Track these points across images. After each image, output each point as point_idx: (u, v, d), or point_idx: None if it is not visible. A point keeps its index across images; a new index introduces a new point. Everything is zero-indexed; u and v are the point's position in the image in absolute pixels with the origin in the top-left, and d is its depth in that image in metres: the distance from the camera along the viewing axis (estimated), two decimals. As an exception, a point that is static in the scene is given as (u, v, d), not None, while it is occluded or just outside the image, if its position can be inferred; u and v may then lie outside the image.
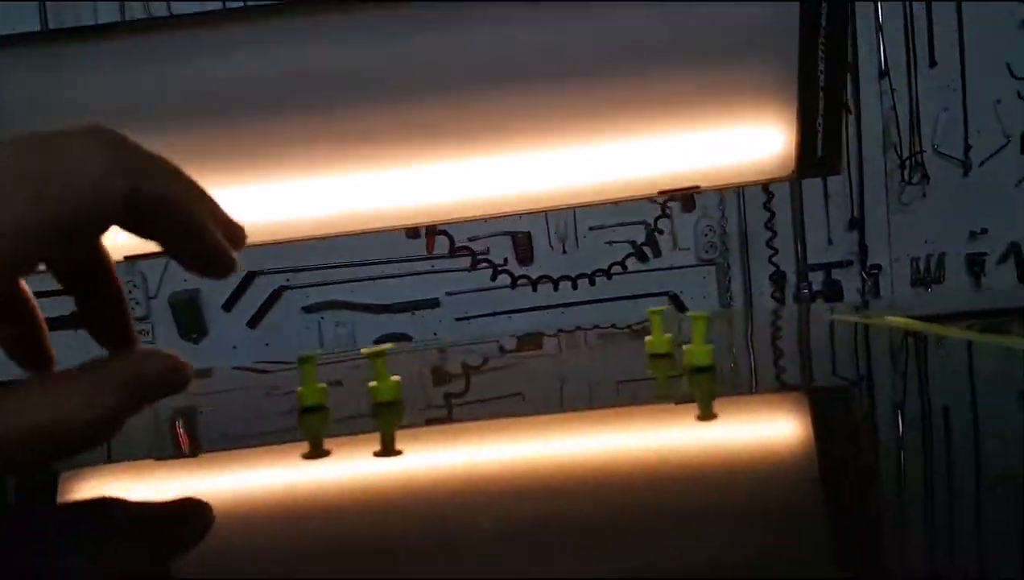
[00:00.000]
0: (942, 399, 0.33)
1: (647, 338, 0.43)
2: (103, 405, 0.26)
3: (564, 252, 2.35)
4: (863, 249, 2.53)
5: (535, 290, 2.19)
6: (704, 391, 0.35)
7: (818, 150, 0.72)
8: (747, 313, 1.27)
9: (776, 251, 2.19)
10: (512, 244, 2.35)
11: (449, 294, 2.37)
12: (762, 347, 0.57)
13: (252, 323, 2.38)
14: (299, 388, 0.40)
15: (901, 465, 0.25)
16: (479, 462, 0.29)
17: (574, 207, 0.75)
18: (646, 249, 2.41)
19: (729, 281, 2.46)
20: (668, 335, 0.40)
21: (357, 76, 0.70)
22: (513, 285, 2.20)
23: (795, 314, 0.85)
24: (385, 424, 0.36)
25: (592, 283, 2.22)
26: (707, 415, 0.30)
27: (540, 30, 0.71)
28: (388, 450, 0.31)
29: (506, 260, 2.32)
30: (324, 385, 0.40)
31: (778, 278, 2.37)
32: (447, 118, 0.74)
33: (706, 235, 2.44)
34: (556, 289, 2.25)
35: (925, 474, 0.23)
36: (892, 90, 2.52)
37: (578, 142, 0.75)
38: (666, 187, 0.72)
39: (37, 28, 1.94)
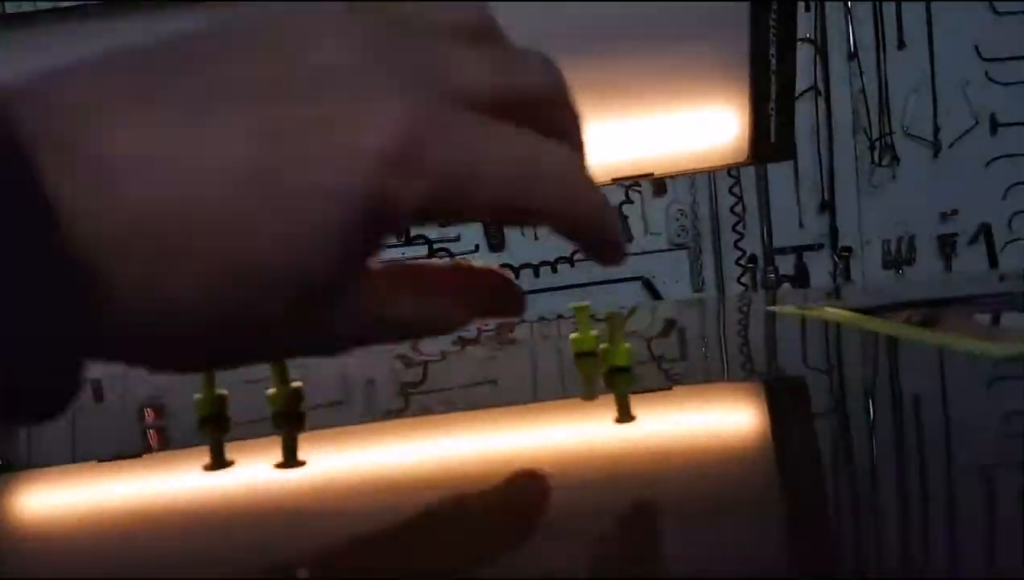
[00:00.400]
0: (860, 394, 0.34)
1: (572, 335, 0.42)
2: (450, 316, 0.23)
3: (536, 238, 2.35)
4: (834, 232, 2.56)
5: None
6: (622, 392, 0.34)
7: (771, 135, 0.72)
8: (722, 303, 1.28)
9: (742, 236, 2.21)
10: (484, 230, 2.35)
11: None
12: (689, 341, 0.58)
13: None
14: (196, 396, 0.39)
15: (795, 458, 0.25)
16: (379, 468, 0.29)
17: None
18: (618, 234, 2.41)
19: (701, 266, 2.47)
20: (595, 332, 0.40)
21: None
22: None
23: (735, 305, 0.85)
24: (286, 434, 0.35)
25: (554, 271, 2.22)
26: (625, 418, 0.31)
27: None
28: (289, 462, 0.31)
29: (477, 247, 2.32)
30: (225, 392, 0.39)
31: (747, 262, 2.38)
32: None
33: (677, 219, 2.45)
34: (517, 277, 2.25)
35: (824, 466, 0.24)
36: (861, 72, 2.54)
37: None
38: (619, 174, 0.72)
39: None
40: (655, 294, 2.44)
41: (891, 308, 0.49)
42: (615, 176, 0.71)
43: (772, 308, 0.69)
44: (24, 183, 0.15)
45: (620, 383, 0.36)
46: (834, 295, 0.87)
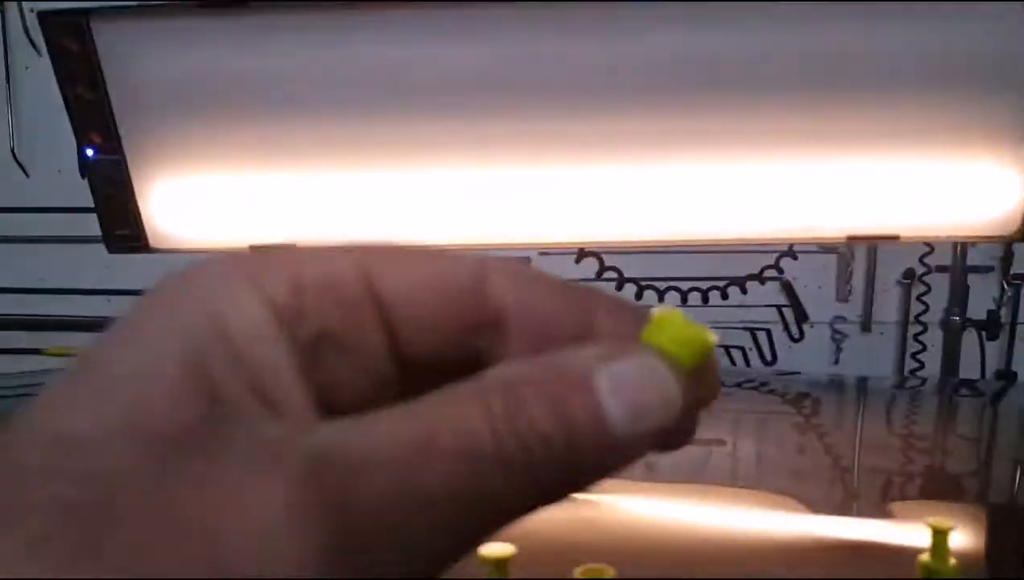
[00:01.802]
0: None
1: (922, 559, 0.35)
2: None
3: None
4: (1008, 255, 2.36)
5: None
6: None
7: (1047, 208, 0.63)
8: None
9: (928, 269, 2.02)
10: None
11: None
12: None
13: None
14: None
15: None
16: None
17: (731, 246, 0.68)
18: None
19: (851, 274, 2.34)
20: (953, 562, 0.33)
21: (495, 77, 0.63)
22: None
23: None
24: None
25: (725, 297, 2.08)
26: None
27: (731, 35, 0.63)
28: None
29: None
30: None
31: (903, 278, 2.22)
32: (602, 129, 0.67)
33: (833, 222, 2.32)
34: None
35: None
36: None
37: (750, 164, 0.67)
38: (859, 233, 0.64)
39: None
40: (794, 299, 2.32)
41: None
42: (853, 234, 0.64)
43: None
44: None
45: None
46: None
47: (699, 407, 0.18)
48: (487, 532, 0.16)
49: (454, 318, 0.19)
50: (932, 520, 0.34)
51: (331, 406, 0.17)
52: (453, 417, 0.15)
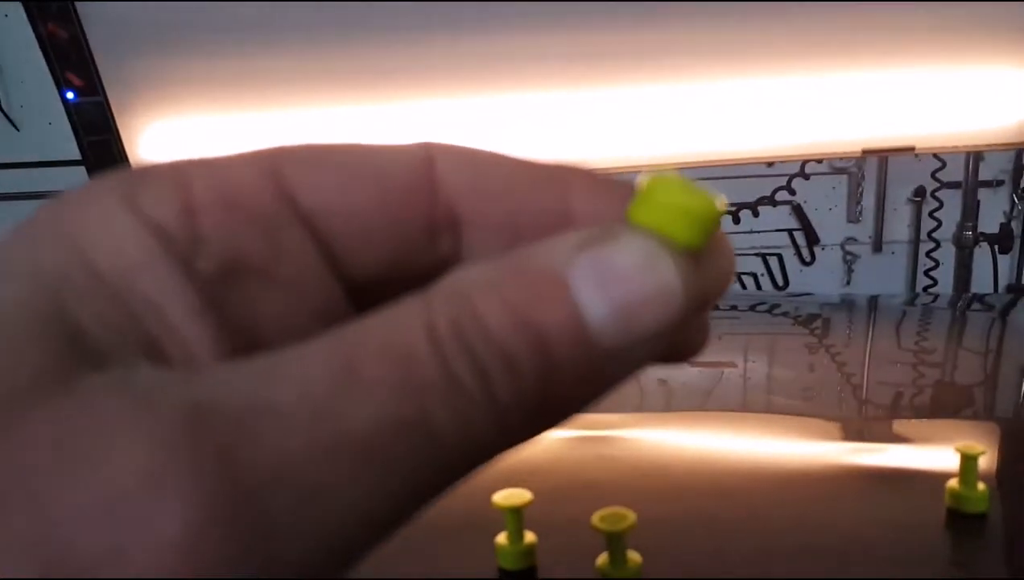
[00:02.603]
0: None
1: (950, 484, 0.33)
2: None
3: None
4: (1019, 170, 2.32)
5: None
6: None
7: (1069, 112, 0.61)
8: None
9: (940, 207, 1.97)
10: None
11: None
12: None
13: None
14: None
15: None
16: None
17: (743, 168, 0.66)
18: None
19: (861, 194, 2.31)
20: (982, 486, 0.32)
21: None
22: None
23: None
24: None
25: (737, 222, 2.06)
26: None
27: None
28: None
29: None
30: None
31: (914, 196, 2.19)
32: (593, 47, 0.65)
33: (841, 140, 2.28)
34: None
35: None
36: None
37: (762, 79, 0.65)
38: (874, 146, 0.62)
39: None
40: (805, 221, 2.30)
41: None
42: (868, 147, 0.62)
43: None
44: None
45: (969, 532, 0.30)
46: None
47: (706, 304, 0.14)
48: (440, 483, 0.12)
49: (398, 223, 0.15)
50: (960, 445, 0.32)
51: (270, 349, 0.13)
52: (382, 337, 0.12)
